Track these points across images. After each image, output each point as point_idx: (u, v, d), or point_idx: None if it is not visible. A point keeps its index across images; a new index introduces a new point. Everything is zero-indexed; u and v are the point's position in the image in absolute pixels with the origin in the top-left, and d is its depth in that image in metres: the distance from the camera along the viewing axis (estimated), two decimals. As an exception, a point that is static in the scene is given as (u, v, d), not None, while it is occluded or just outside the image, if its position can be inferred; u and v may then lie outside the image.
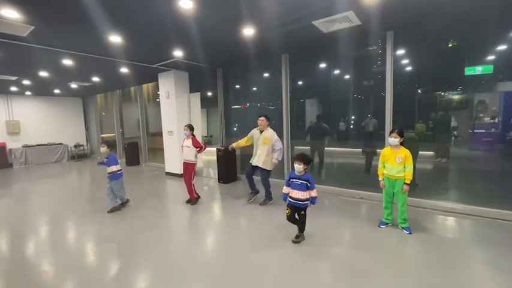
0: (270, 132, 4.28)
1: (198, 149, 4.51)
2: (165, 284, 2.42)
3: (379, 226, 3.43)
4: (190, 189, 4.63)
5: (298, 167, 2.96)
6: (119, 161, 4.44)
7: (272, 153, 4.26)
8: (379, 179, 3.41)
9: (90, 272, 2.68)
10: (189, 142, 4.54)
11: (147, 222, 3.93)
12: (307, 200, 2.98)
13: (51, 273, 2.70)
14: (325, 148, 5.58)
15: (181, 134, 6.87)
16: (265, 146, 4.23)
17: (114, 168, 4.25)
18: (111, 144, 4.29)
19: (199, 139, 7.71)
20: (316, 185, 3.05)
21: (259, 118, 4.33)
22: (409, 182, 3.16)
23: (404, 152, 3.18)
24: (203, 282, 2.45)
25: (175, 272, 2.62)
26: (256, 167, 4.36)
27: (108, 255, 3.02)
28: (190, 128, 4.60)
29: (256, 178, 4.55)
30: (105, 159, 4.29)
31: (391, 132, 3.25)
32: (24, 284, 2.50)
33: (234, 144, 4.69)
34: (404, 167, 3.18)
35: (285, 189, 3.12)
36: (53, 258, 2.99)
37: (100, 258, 2.98)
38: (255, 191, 4.59)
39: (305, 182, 2.94)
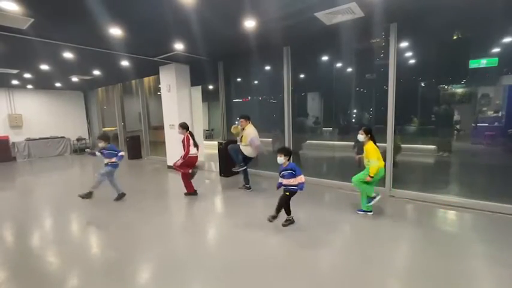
0: (247, 132, 4.67)
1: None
2: (168, 277, 2.46)
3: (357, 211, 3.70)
4: (186, 183, 4.70)
5: (280, 159, 3.29)
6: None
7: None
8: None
9: (93, 263, 2.73)
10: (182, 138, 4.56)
11: (148, 214, 3.97)
12: (296, 186, 3.27)
13: (55, 264, 2.75)
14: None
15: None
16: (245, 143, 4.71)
17: (120, 154, 4.36)
18: (107, 138, 4.36)
19: (201, 133, 7.77)
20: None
21: (240, 120, 4.78)
22: (371, 175, 3.42)
23: (366, 147, 3.52)
24: (205, 273, 2.49)
25: (179, 264, 2.66)
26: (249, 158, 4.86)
27: (111, 246, 3.07)
28: (182, 126, 4.55)
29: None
30: (105, 151, 4.32)
31: (359, 129, 3.62)
32: (29, 275, 2.55)
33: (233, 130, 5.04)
34: (368, 161, 3.49)
35: (280, 180, 3.42)
36: (57, 250, 3.03)
37: (103, 249, 3.03)
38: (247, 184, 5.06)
39: (290, 171, 3.26)
